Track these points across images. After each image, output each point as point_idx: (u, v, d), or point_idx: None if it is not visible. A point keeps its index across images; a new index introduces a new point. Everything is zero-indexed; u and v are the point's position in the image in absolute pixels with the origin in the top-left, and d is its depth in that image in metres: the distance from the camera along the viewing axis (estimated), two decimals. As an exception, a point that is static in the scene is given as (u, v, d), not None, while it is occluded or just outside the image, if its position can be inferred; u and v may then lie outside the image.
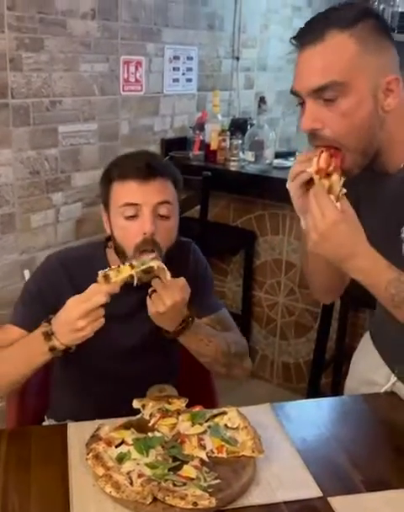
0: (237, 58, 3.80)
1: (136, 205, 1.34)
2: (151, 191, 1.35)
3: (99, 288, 1.20)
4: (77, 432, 1.27)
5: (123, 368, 1.50)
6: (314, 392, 2.81)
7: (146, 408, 1.32)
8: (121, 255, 1.39)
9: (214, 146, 3.21)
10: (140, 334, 1.48)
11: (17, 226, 2.62)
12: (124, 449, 1.18)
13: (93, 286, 1.21)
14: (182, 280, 1.30)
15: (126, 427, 1.25)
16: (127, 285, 1.25)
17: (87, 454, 1.16)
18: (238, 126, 3.41)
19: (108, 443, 1.19)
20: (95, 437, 1.21)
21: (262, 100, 3.00)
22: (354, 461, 1.23)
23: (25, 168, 2.60)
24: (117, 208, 1.37)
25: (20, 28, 2.43)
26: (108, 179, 1.41)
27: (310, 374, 2.89)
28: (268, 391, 3.15)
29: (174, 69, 3.32)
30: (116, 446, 1.19)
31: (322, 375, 2.87)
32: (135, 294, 1.33)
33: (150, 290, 1.30)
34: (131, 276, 1.24)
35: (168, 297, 1.27)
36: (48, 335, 1.24)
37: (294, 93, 1.16)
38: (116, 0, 2.85)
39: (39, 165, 2.66)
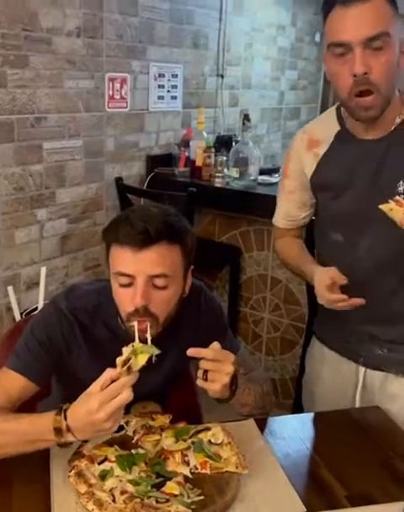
0: (222, 76, 3.84)
1: (130, 275, 1.25)
2: (146, 262, 1.23)
3: (123, 383, 1.10)
4: (60, 449, 1.25)
5: None
6: (300, 407, 2.79)
7: (130, 424, 1.32)
8: (118, 314, 1.33)
9: (199, 162, 3.23)
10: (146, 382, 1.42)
11: (1, 242, 2.61)
12: (107, 466, 1.17)
13: (117, 383, 1.10)
14: (216, 345, 1.23)
15: (109, 443, 1.24)
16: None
17: (70, 471, 1.15)
18: (223, 143, 3.44)
19: (91, 460, 1.18)
20: (78, 454, 1.20)
21: (246, 117, 3.02)
22: (338, 477, 1.23)
23: (10, 184, 2.59)
24: (112, 273, 1.29)
25: (5, 45, 2.44)
26: (106, 239, 1.30)
27: (296, 390, 2.88)
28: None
29: (159, 86, 3.34)
30: (99, 463, 1.18)
31: (308, 390, 2.86)
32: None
33: (201, 374, 1.21)
34: (149, 359, 1.16)
35: (227, 366, 1.21)
36: (60, 431, 1.14)
37: (339, 44, 1.33)
38: (101, 18, 2.87)
39: (23, 181, 2.65)
